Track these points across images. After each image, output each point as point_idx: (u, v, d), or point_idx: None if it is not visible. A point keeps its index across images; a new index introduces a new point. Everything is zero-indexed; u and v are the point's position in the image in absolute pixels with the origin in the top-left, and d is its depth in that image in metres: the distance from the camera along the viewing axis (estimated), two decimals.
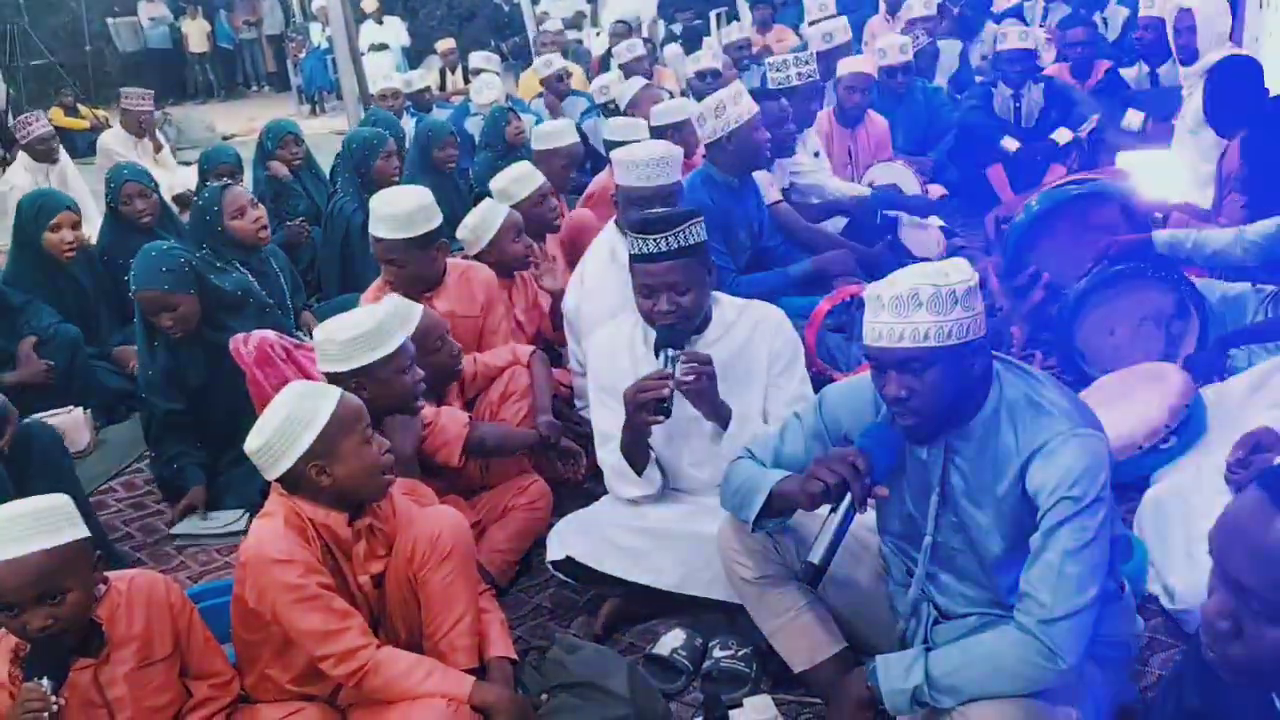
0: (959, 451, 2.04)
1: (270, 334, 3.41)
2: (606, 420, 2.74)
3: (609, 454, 2.73)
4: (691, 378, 2.51)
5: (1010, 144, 5.79)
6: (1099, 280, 3.55)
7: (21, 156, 6.25)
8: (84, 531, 1.98)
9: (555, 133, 4.97)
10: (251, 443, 2.17)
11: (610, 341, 2.82)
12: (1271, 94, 4.06)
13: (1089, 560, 1.89)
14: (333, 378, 2.54)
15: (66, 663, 1.94)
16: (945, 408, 1.96)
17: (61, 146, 6.44)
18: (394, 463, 2.22)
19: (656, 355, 2.58)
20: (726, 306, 2.76)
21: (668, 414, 2.52)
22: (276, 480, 2.19)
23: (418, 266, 3.40)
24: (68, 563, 1.92)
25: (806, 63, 4.91)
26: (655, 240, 2.54)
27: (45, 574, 1.89)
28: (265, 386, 3.21)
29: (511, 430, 3.13)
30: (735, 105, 3.86)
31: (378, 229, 3.38)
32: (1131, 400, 3.04)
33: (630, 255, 2.62)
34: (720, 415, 2.63)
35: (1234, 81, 3.90)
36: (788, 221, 4.39)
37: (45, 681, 1.86)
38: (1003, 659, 1.92)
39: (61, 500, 1.99)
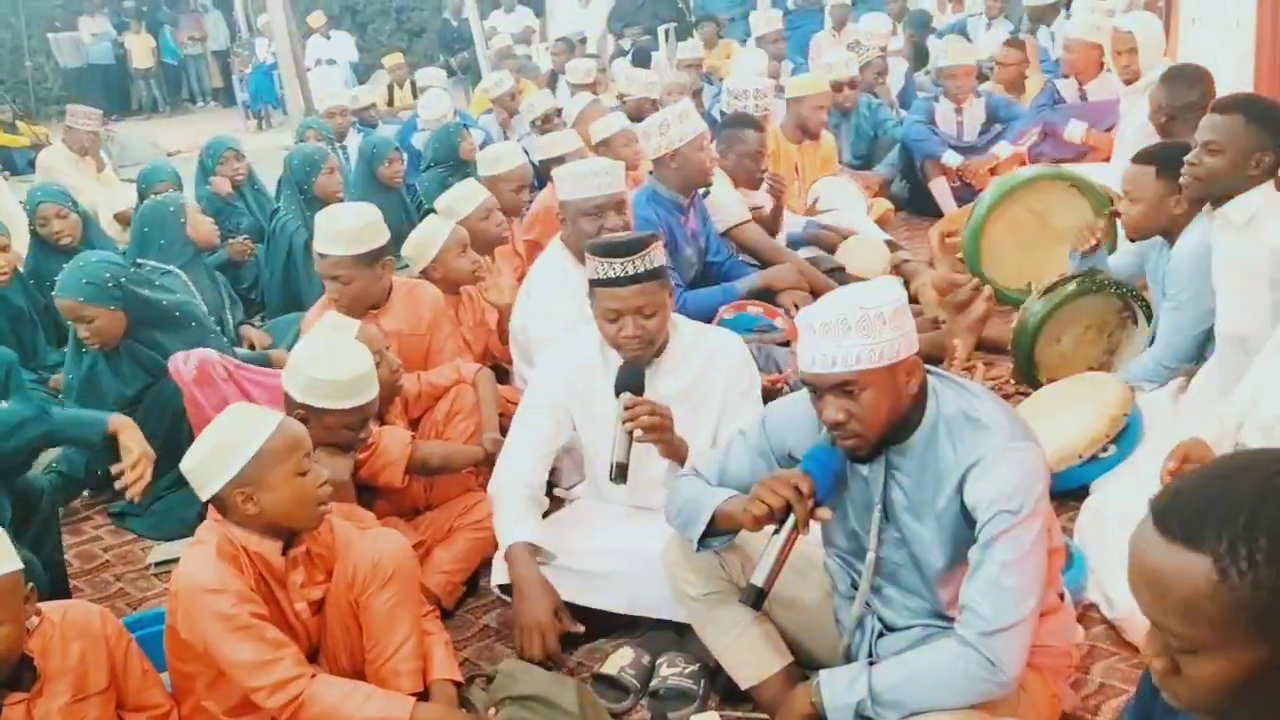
0: (899, 467, 2.05)
1: (212, 353, 3.36)
2: (522, 441, 2.74)
3: (502, 485, 2.70)
4: (646, 423, 2.49)
5: (953, 158, 5.88)
6: (1064, 295, 3.59)
7: None
8: (14, 564, 1.93)
9: (500, 157, 4.88)
10: (185, 462, 2.15)
11: (568, 361, 2.80)
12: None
13: (1027, 572, 1.91)
14: (287, 397, 2.53)
15: None
16: (883, 427, 1.98)
17: None
18: (330, 495, 2.19)
19: (617, 396, 2.56)
20: (684, 331, 2.76)
21: (624, 476, 2.50)
22: (208, 503, 2.16)
23: (363, 284, 3.37)
24: (2, 596, 1.86)
25: (765, 95, 5.01)
26: (622, 264, 2.53)
27: None
28: (204, 407, 3.16)
29: (456, 448, 3.10)
30: (680, 124, 3.89)
31: (322, 245, 3.34)
32: (1071, 410, 3.08)
33: (592, 280, 2.60)
34: (678, 456, 2.61)
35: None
36: (751, 240, 4.42)
37: None
38: (944, 672, 1.93)
39: None
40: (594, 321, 2.69)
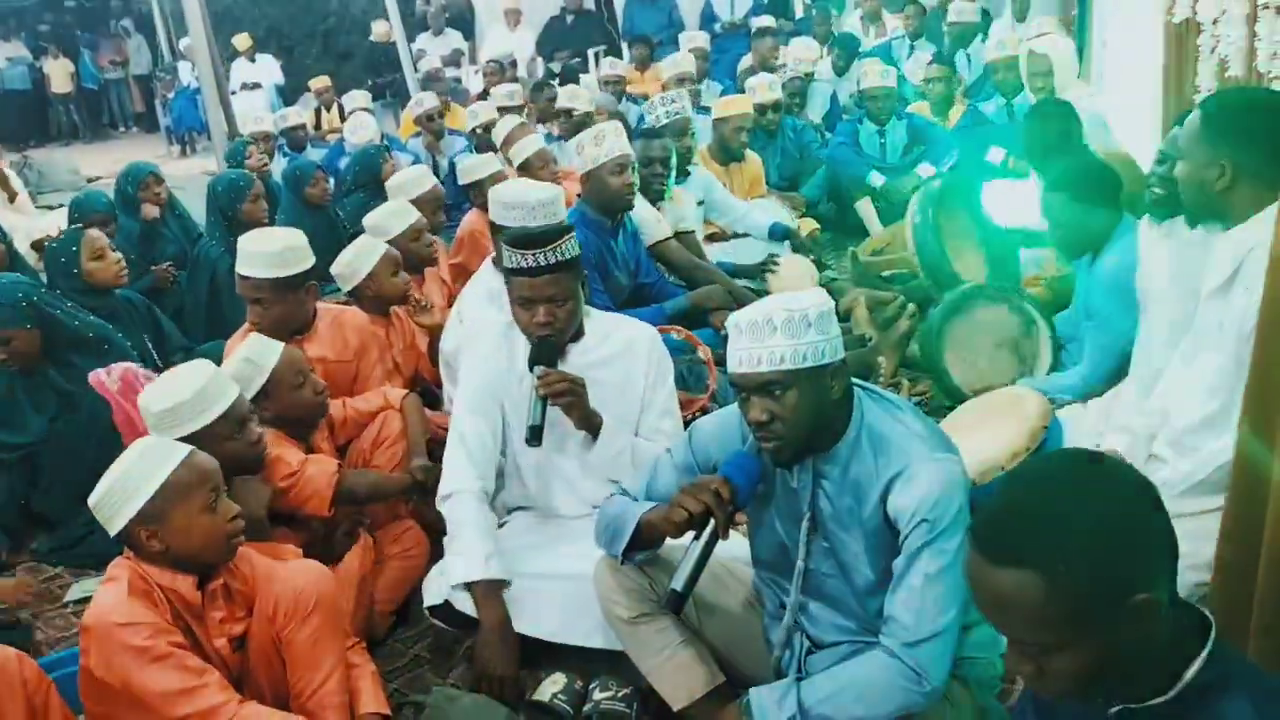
0: (826, 476, 2.08)
1: (133, 365, 3.31)
2: (463, 445, 2.74)
3: (453, 495, 2.71)
4: (560, 389, 2.60)
5: (877, 179, 5.99)
6: (947, 307, 3.67)
7: None
8: None
9: (410, 182, 4.88)
10: (91, 497, 2.10)
11: (488, 359, 2.84)
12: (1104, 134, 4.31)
13: (949, 582, 1.94)
14: None
15: None
16: (806, 430, 2.01)
17: None
18: (242, 529, 2.14)
19: (531, 370, 2.66)
20: (600, 320, 2.86)
21: (539, 438, 2.60)
22: (116, 539, 2.11)
23: (286, 308, 3.32)
24: None
25: (674, 100, 5.06)
26: (535, 255, 2.60)
27: None
28: (136, 421, 3.09)
29: (384, 477, 3.06)
30: (594, 146, 3.91)
31: (244, 267, 3.29)
32: (993, 424, 3.14)
33: (507, 268, 2.68)
34: (592, 425, 2.71)
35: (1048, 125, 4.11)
36: (676, 259, 4.44)
37: None
38: (871, 683, 1.96)
39: None
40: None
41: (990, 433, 3.08)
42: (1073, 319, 3.60)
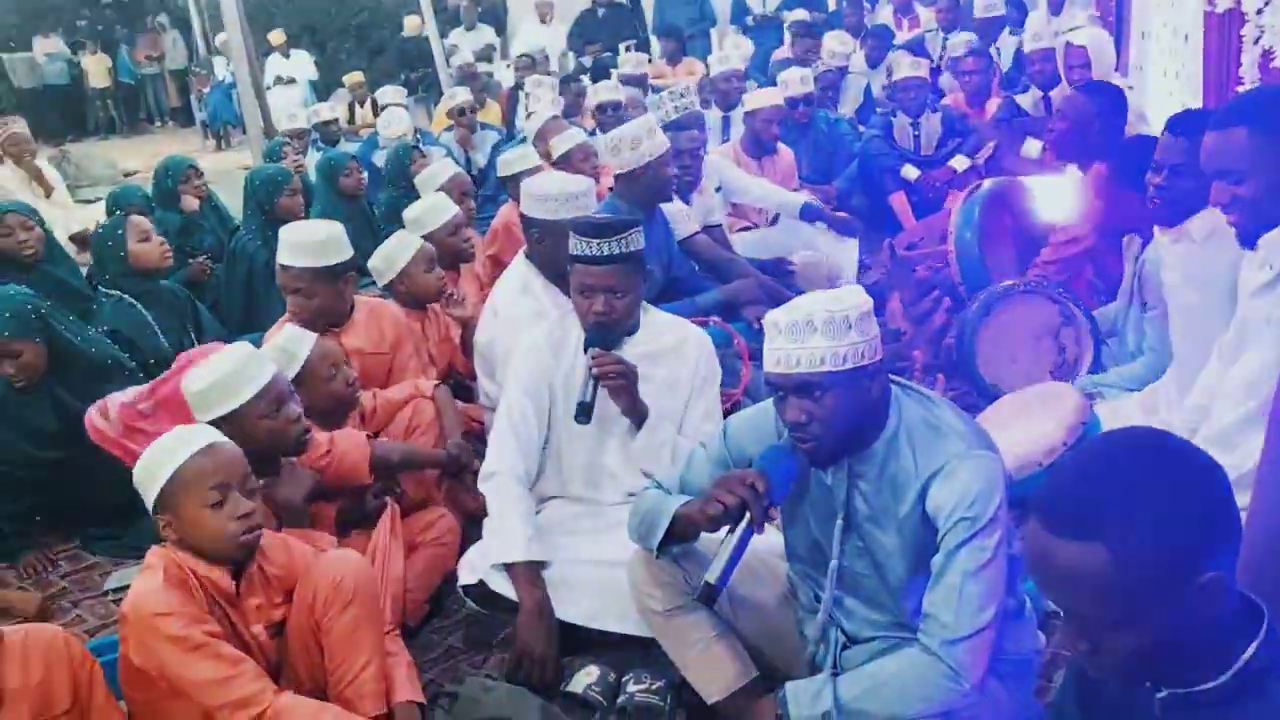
0: (861, 475, 2.07)
1: (123, 395, 3.24)
2: (509, 429, 2.78)
3: (495, 478, 2.75)
4: (613, 370, 2.66)
5: (910, 172, 5.95)
6: (986, 304, 3.64)
7: None
8: None
9: (433, 174, 4.96)
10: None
11: (541, 344, 2.88)
12: (1142, 127, 4.24)
13: (988, 580, 1.92)
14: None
15: None
16: (844, 431, 2.00)
17: None
18: (254, 528, 2.14)
19: (586, 352, 2.71)
20: (656, 317, 2.89)
21: (588, 415, 2.65)
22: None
23: (324, 299, 3.36)
24: None
25: (682, 95, 5.06)
26: (599, 243, 2.65)
27: None
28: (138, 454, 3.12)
29: (417, 447, 3.12)
30: (650, 140, 3.90)
31: (285, 257, 3.34)
32: (1030, 419, 3.12)
33: (571, 254, 2.73)
34: (638, 413, 2.76)
35: (1091, 110, 4.02)
36: (705, 252, 4.44)
37: None
38: (908, 681, 1.95)
39: None
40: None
41: (1027, 428, 3.06)
42: (1115, 313, 3.56)
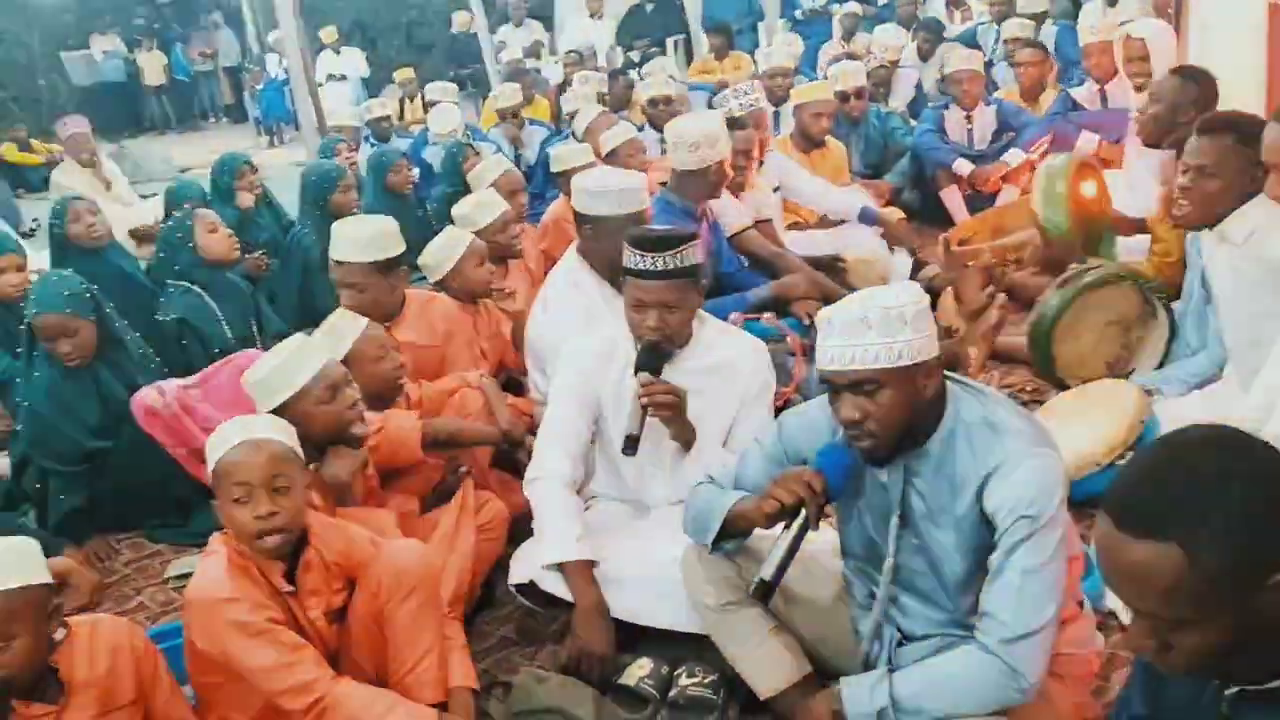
0: (918, 473, 2.05)
1: (172, 382, 3.34)
2: (555, 433, 2.76)
3: (542, 481, 2.73)
4: (663, 401, 2.59)
5: (964, 166, 5.88)
6: (1080, 286, 3.58)
7: None
8: (43, 577, 1.95)
9: (485, 170, 5.01)
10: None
11: (591, 349, 2.85)
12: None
13: (1048, 578, 1.91)
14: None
15: (5, 713, 1.89)
16: (899, 429, 1.98)
17: None
18: (276, 528, 2.14)
19: (636, 374, 2.64)
20: (710, 329, 2.82)
21: (634, 448, 2.59)
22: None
23: (377, 293, 3.41)
24: (18, 609, 1.88)
25: (748, 93, 5.03)
26: (653, 258, 2.60)
27: None
28: (192, 434, 3.19)
29: (467, 423, 3.14)
30: (711, 147, 3.91)
31: (339, 252, 3.40)
32: (1089, 418, 3.08)
33: (625, 268, 2.67)
34: (686, 439, 2.69)
35: (1186, 95, 3.93)
36: (755, 247, 4.42)
37: None
38: (966, 679, 1.94)
39: (23, 544, 1.96)
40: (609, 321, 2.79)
41: (1087, 426, 3.02)
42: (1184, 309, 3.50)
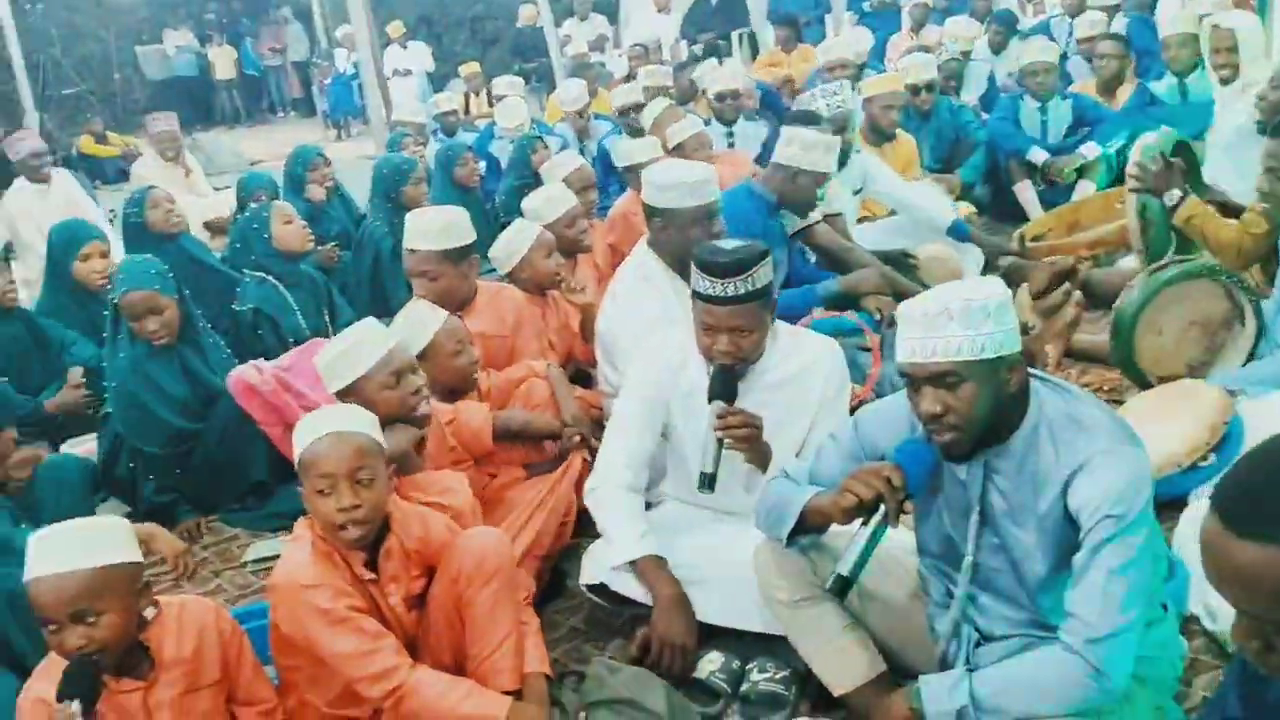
0: (998, 470, 2.03)
1: (265, 364, 3.45)
2: (620, 440, 2.73)
3: (605, 487, 2.70)
4: (740, 434, 2.51)
5: (1038, 155, 5.77)
6: (1166, 278, 3.50)
7: (18, 181, 6.23)
8: (133, 555, 2.00)
9: (559, 165, 5.03)
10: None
11: (661, 358, 2.78)
12: None
13: (1134, 578, 1.87)
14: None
15: (97, 686, 1.94)
16: (982, 423, 1.96)
17: (52, 164, 6.48)
18: (358, 520, 2.16)
19: (710, 402, 2.56)
20: (783, 336, 2.73)
21: (712, 485, 2.52)
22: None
23: (450, 281, 3.47)
24: (109, 585, 1.92)
25: (835, 93, 4.97)
26: (724, 284, 2.49)
27: (83, 594, 1.89)
28: (288, 412, 3.26)
29: (535, 414, 3.20)
30: (807, 152, 3.87)
31: (413, 241, 3.47)
32: (1171, 418, 3.02)
33: (694, 291, 2.58)
34: (763, 462, 2.63)
35: None
36: (825, 242, 4.39)
37: (75, 704, 1.87)
38: (1048, 679, 1.91)
39: (115, 523, 2.02)
40: (680, 323, 2.71)
41: (1168, 426, 2.96)
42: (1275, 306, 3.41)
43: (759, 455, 2.60)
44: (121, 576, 1.96)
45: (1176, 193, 3.72)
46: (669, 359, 2.75)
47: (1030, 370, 2.05)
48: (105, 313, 3.67)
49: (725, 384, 2.56)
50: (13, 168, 6.52)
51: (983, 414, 1.94)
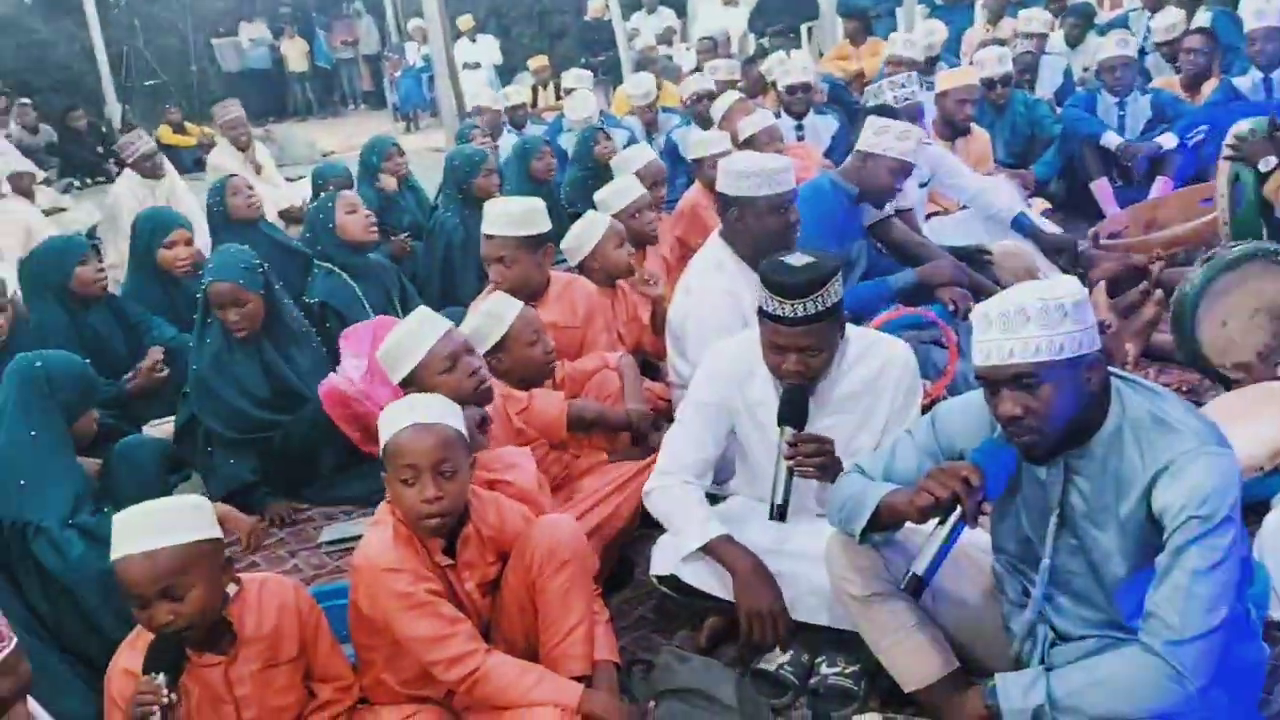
0: (1079, 471, 2.00)
1: (352, 366, 3.50)
2: (684, 443, 2.73)
3: (670, 486, 2.69)
4: (812, 466, 2.47)
5: (1112, 139, 5.65)
6: (1219, 264, 3.43)
7: (128, 173, 6.46)
8: (215, 532, 2.05)
9: (632, 158, 5.05)
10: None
11: (729, 362, 2.73)
12: None
13: (1219, 581, 1.83)
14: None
15: (182, 660, 2.00)
16: (1063, 425, 1.93)
17: (168, 162, 6.67)
18: (441, 512, 2.19)
19: (779, 425, 2.51)
20: (853, 343, 2.65)
21: (784, 516, 2.48)
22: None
23: (525, 268, 3.53)
24: (194, 562, 1.98)
25: (903, 85, 4.92)
26: (793, 305, 2.42)
27: (170, 571, 1.95)
28: (371, 418, 3.33)
29: (608, 407, 3.24)
30: (881, 135, 3.85)
31: (491, 227, 3.54)
32: (1253, 420, 2.95)
33: (761, 310, 2.51)
34: (834, 479, 2.55)
35: None
36: (897, 236, 4.36)
37: (160, 677, 1.92)
38: (1128, 680, 1.88)
39: (198, 501, 2.07)
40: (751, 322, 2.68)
41: (1249, 428, 2.89)
42: None
43: (830, 475, 2.53)
44: (205, 553, 2.01)
45: (1273, 159, 3.64)
46: (735, 370, 2.70)
47: (1111, 370, 2.02)
48: (197, 296, 3.77)
49: (795, 407, 2.51)
50: (120, 158, 6.76)
51: (1063, 415, 1.92)
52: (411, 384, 2.65)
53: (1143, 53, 7.09)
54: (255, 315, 3.63)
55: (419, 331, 2.67)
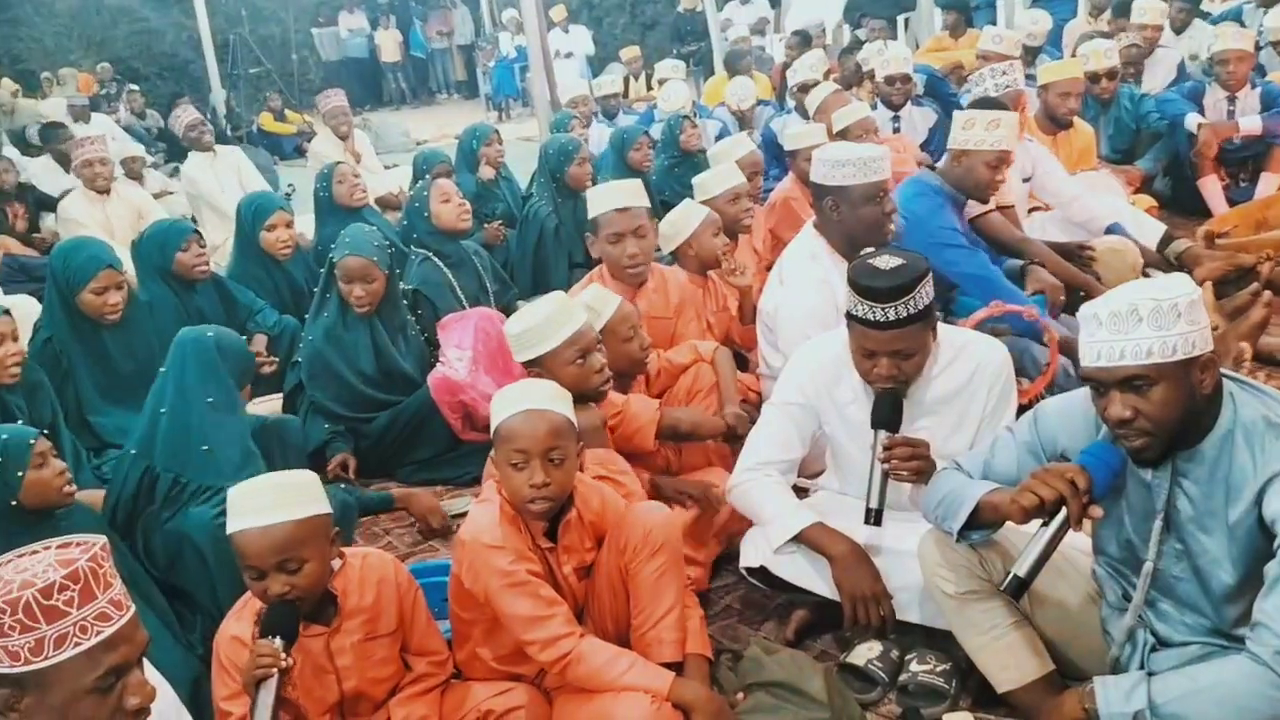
0: (1187, 475, 1.96)
1: (456, 355, 3.62)
2: (770, 440, 2.72)
3: (757, 480, 2.69)
4: (907, 470, 2.45)
5: (1193, 120, 5.50)
6: None
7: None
8: (326, 508, 2.12)
9: (731, 146, 5.03)
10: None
11: (819, 359, 2.71)
12: None
13: None
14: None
15: (297, 627, 2.06)
16: (1173, 428, 1.89)
17: (213, 136, 6.96)
18: (548, 497, 2.22)
19: (873, 428, 2.48)
20: (947, 343, 2.60)
21: (879, 520, 2.46)
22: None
23: (653, 239, 3.63)
24: (309, 536, 2.05)
25: (1004, 73, 4.80)
26: (883, 309, 2.37)
27: (288, 544, 2.02)
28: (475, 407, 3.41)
29: (704, 415, 3.18)
30: (967, 128, 3.76)
31: (622, 200, 3.58)
32: None
33: (850, 314, 2.47)
34: (927, 481, 2.54)
35: None
36: (999, 232, 4.27)
37: (277, 641, 1.99)
38: (1233, 689, 1.83)
39: (309, 477, 2.14)
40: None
41: None
42: None
43: (925, 478, 2.50)
44: (318, 527, 2.08)
45: None
46: (823, 370, 2.68)
47: (1225, 372, 1.96)
48: (321, 270, 3.91)
49: (889, 410, 2.48)
50: (183, 143, 6.99)
51: (1175, 418, 1.88)
52: (535, 366, 2.68)
53: (1257, 47, 6.83)
54: (378, 294, 3.76)
55: (557, 318, 2.69)
